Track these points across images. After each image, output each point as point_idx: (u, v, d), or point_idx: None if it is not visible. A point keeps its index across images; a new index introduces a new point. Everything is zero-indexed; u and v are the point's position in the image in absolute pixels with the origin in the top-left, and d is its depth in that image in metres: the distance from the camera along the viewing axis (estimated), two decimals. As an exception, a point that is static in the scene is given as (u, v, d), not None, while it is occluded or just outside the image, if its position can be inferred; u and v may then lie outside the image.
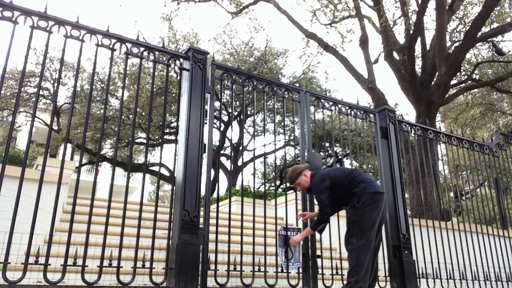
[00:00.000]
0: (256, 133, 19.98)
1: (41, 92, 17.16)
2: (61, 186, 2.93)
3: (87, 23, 3.29)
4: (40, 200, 2.81)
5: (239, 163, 18.01)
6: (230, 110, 17.33)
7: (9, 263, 2.56)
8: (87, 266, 2.85)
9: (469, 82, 13.98)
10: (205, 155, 3.53)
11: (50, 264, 2.73)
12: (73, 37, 3.22)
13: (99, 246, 3.01)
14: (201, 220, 3.33)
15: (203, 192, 3.46)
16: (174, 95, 14.67)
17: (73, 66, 17.16)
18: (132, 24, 37.51)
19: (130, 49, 3.48)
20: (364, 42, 12.46)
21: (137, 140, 18.34)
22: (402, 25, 11.99)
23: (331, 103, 4.72)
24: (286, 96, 4.42)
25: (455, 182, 10.98)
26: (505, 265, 5.64)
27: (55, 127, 17.35)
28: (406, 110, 49.37)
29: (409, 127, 5.32)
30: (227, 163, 19.45)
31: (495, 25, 12.72)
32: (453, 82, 12.55)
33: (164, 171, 16.37)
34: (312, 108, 5.47)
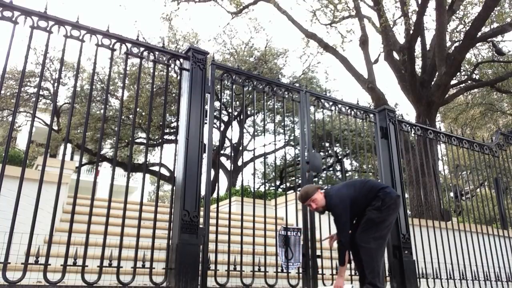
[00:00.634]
0: (256, 133, 19.97)
1: (41, 92, 17.16)
2: (61, 186, 2.93)
3: (87, 23, 3.30)
4: (40, 200, 2.81)
5: (239, 163, 18.01)
6: (230, 110, 17.33)
7: (9, 263, 2.56)
8: (87, 266, 2.85)
9: (469, 82, 13.98)
10: (205, 155, 3.53)
11: (50, 264, 2.73)
12: (73, 37, 3.22)
13: (99, 246, 3.01)
14: (201, 220, 3.33)
15: (203, 192, 3.46)
16: (174, 95, 14.66)
17: (73, 66, 17.16)
18: (132, 24, 37.50)
19: (130, 49, 3.48)
20: (364, 42, 12.45)
21: (137, 140, 18.33)
22: (402, 25, 11.99)
23: (331, 103, 4.72)
24: (286, 96, 4.42)
25: (455, 182, 10.98)
26: (505, 265, 5.64)
27: (55, 127, 17.35)
28: (406, 110, 49.38)
29: (409, 127, 5.32)
30: (227, 163, 19.45)
31: (495, 25, 12.72)
32: (453, 82, 12.55)
33: (164, 171, 16.37)
34: (312, 108, 5.47)
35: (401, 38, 12.03)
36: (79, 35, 3.25)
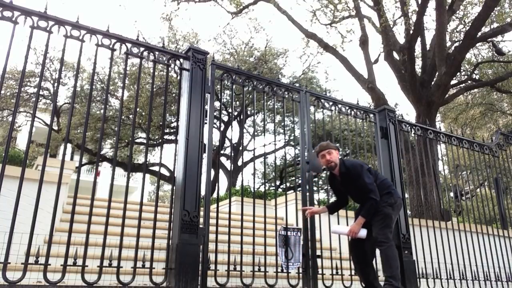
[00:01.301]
0: (256, 133, 19.97)
1: (41, 92, 17.16)
2: (61, 186, 2.93)
3: (87, 23, 3.30)
4: (40, 200, 2.81)
5: (239, 163, 18.01)
6: (230, 110, 17.33)
7: (9, 263, 2.56)
8: (87, 266, 2.85)
9: (469, 82, 13.98)
10: (205, 155, 3.53)
11: (50, 264, 2.73)
12: (73, 37, 3.22)
13: (99, 246, 3.01)
14: (201, 220, 3.33)
15: (203, 192, 3.46)
16: (174, 95, 14.66)
17: (73, 66, 17.15)
18: (132, 24, 37.52)
19: (130, 49, 3.48)
20: (364, 42, 12.45)
21: (137, 140, 18.33)
22: (402, 25, 12.00)
23: (331, 103, 4.72)
24: (286, 96, 4.42)
25: (455, 182, 10.97)
26: (505, 265, 5.64)
27: (55, 127, 17.34)
28: (406, 110, 49.38)
29: (409, 127, 5.32)
30: (227, 163, 19.45)
31: (495, 25, 12.72)
32: (453, 82, 12.55)
33: (164, 171, 16.36)
34: (312, 108, 5.47)
35: (401, 38, 12.04)
36: (79, 35, 3.25)
